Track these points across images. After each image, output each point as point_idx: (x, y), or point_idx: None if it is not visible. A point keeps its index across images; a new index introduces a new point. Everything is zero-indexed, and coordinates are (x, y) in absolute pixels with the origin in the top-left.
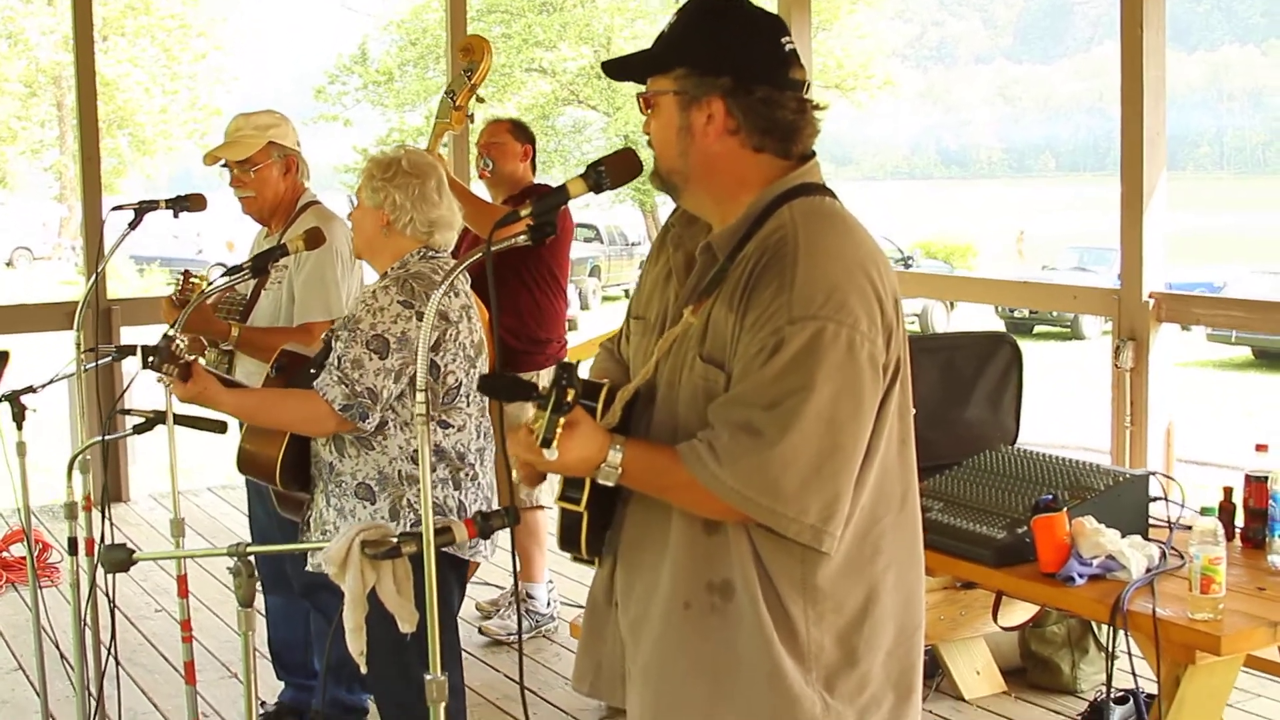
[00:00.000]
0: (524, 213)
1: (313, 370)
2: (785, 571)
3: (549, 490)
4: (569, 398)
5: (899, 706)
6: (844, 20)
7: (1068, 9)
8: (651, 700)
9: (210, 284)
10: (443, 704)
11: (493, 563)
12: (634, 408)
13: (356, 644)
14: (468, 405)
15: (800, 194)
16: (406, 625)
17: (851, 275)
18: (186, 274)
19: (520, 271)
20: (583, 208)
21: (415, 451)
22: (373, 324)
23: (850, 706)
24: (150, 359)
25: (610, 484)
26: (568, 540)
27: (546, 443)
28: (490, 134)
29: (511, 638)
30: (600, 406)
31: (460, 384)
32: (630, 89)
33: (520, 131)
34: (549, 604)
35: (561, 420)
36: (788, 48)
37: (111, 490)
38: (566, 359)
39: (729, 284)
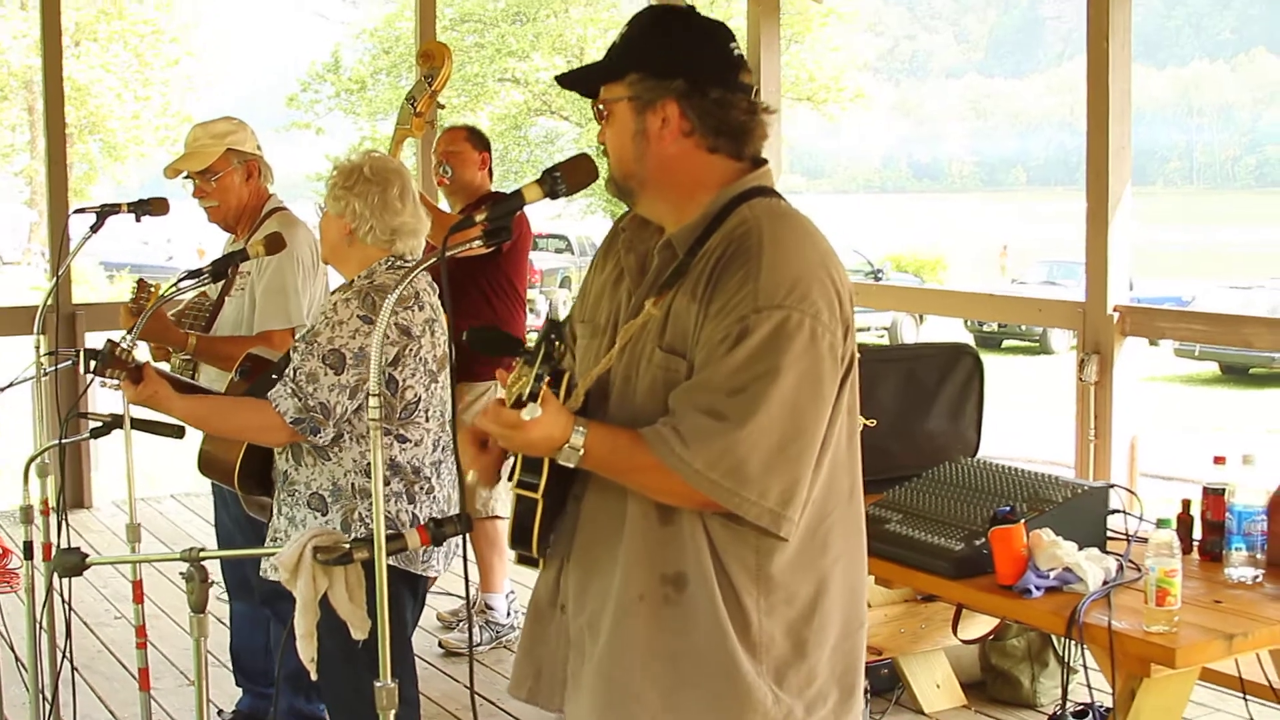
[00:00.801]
0: (479, 218)
1: (274, 375)
2: (740, 561)
3: (505, 499)
4: (558, 353)
5: (843, 704)
6: (815, 33)
7: (1039, 24)
8: (604, 693)
9: (168, 291)
10: (392, 711)
11: (455, 573)
12: (588, 401)
13: (307, 650)
14: (426, 420)
15: (757, 194)
16: (358, 632)
17: (813, 269)
18: (141, 282)
19: (479, 281)
20: (553, 218)
21: (368, 465)
22: (330, 338)
23: (799, 700)
24: (92, 362)
25: (571, 465)
26: (519, 536)
27: (534, 396)
28: (447, 142)
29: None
30: (562, 393)
31: (419, 399)
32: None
33: (477, 139)
34: (509, 614)
35: (547, 378)
36: (736, 52)
37: (74, 496)
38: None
39: (691, 276)
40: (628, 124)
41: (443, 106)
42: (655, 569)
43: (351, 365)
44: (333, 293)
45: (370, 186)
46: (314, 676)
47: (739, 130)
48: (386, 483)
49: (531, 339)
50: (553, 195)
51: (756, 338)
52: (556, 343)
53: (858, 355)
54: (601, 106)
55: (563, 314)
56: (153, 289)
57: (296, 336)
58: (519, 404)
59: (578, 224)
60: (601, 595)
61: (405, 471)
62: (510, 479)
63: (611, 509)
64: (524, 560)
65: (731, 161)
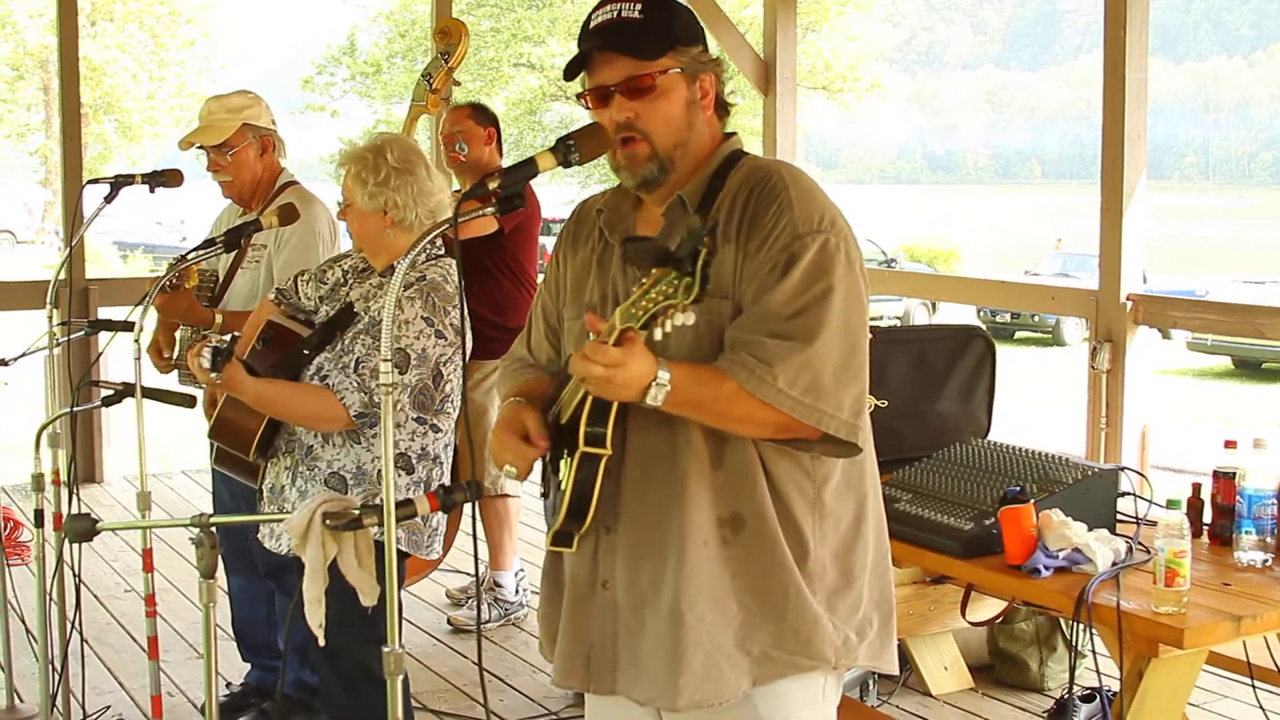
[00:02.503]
0: (492, 184)
1: (306, 352)
2: (799, 490)
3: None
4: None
5: (884, 628)
6: (832, 22)
7: (1056, 17)
8: (674, 646)
9: (179, 260)
10: (400, 677)
11: (464, 550)
12: None
13: (315, 616)
14: (455, 409)
15: (742, 155)
16: (367, 599)
17: (831, 204)
18: (184, 267)
19: (483, 261)
20: (566, 203)
21: (401, 454)
22: (396, 336)
23: (849, 625)
24: (217, 360)
25: (656, 403)
26: (577, 508)
27: (698, 299)
28: (452, 121)
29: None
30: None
31: (453, 391)
32: None
33: (482, 115)
34: (517, 591)
35: (696, 283)
36: None
37: (85, 471)
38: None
39: (719, 223)
40: (681, 94)
41: (458, 84)
42: (712, 512)
43: (415, 365)
44: (382, 278)
45: (405, 176)
46: (322, 642)
47: (726, 101)
48: (410, 471)
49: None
50: (565, 164)
51: (805, 261)
52: (709, 239)
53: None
54: (634, 82)
55: None
56: (190, 267)
57: (360, 326)
58: (650, 323)
59: None
60: (660, 554)
61: (428, 459)
62: (547, 465)
63: (659, 470)
64: (560, 541)
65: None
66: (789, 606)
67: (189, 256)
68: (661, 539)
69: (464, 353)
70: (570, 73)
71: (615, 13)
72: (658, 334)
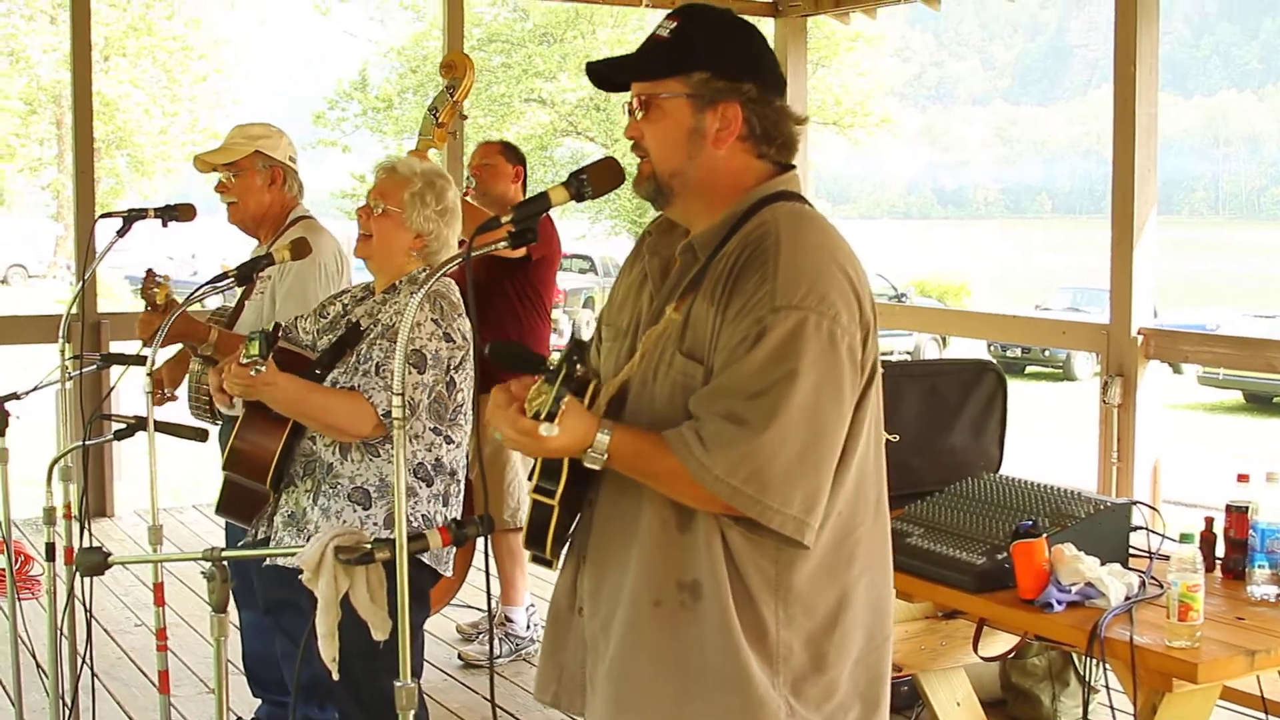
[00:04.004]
0: (505, 219)
1: (318, 371)
2: (759, 570)
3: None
4: (578, 373)
5: (866, 718)
6: (842, 57)
7: (1066, 52)
8: (615, 698)
9: (193, 293)
10: (411, 711)
11: (475, 585)
12: (612, 404)
13: (329, 650)
14: (467, 422)
15: (781, 199)
16: (379, 633)
17: (831, 271)
18: (150, 273)
19: (506, 288)
20: (578, 239)
21: (419, 464)
22: (411, 338)
23: (816, 713)
24: (264, 347)
25: (596, 467)
26: (534, 537)
27: (551, 416)
28: (482, 155)
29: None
30: (586, 401)
31: (465, 401)
32: None
33: (511, 153)
34: (528, 627)
35: (569, 397)
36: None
37: (96, 505)
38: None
39: (710, 279)
40: (683, 120)
41: (465, 117)
42: (672, 575)
43: (431, 365)
44: (385, 295)
45: (451, 217)
46: (335, 677)
47: (789, 140)
48: (430, 483)
49: (558, 357)
50: (578, 198)
51: (774, 339)
52: (578, 364)
53: (880, 367)
54: (644, 99)
55: (586, 335)
56: (162, 279)
57: (374, 334)
58: (537, 417)
59: (602, 244)
60: (613, 598)
61: (445, 472)
62: (530, 480)
63: (626, 513)
64: (538, 560)
65: (769, 167)
66: (734, 683)
67: (204, 289)
68: (617, 588)
69: (475, 372)
70: None
71: (666, 27)
72: (543, 430)
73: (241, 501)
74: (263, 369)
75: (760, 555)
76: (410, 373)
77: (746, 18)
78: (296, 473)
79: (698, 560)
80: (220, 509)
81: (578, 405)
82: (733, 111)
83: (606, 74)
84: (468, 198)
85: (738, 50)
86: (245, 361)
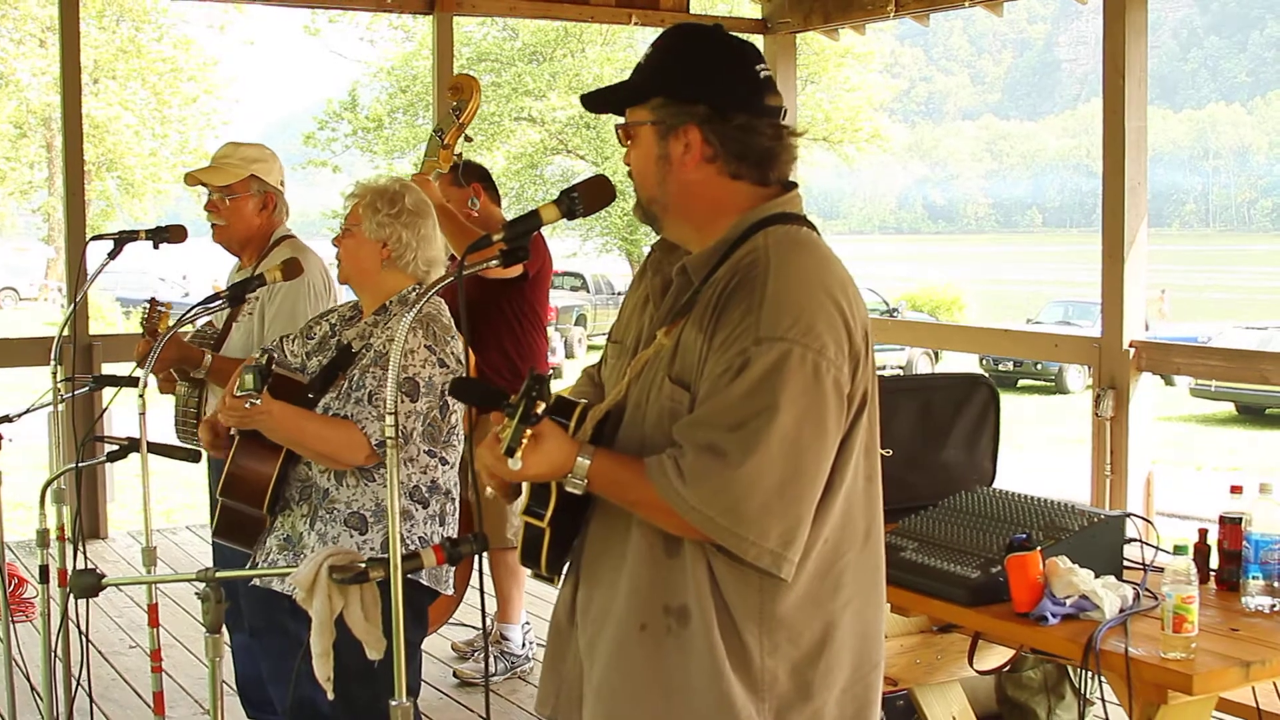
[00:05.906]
0: (496, 237)
1: (310, 395)
2: (743, 599)
3: None
4: (537, 409)
5: None
6: (832, 73)
7: (1055, 66)
8: (602, 716)
9: (185, 314)
10: None
11: (470, 604)
12: (604, 427)
13: (323, 669)
14: (460, 442)
15: (777, 221)
16: (374, 653)
17: (820, 301)
18: (154, 301)
19: (503, 305)
20: (569, 256)
21: (414, 487)
22: (404, 365)
23: None
24: (258, 380)
25: (578, 493)
26: (528, 555)
27: (510, 451)
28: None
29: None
30: (573, 424)
31: (458, 422)
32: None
33: (460, 177)
34: (524, 645)
35: (528, 431)
36: (763, 74)
37: (90, 527)
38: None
39: (699, 306)
40: (651, 148)
41: (470, 139)
42: (659, 599)
43: (424, 393)
44: (376, 317)
45: (415, 219)
46: (330, 696)
47: (763, 156)
48: (425, 505)
49: (519, 393)
50: (570, 215)
51: (756, 370)
52: (537, 399)
53: (873, 395)
54: (625, 128)
55: (579, 351)
56: (164, 309)
57: (366, 360)
58: (509, 450)
59: (593, 262)
60: (601, 619)
61: (440, 492)
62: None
63: (616, 535)
64: (539, 576)
65: (756, 187)
66: (718, 710)
67: (196, 310)
68: (604, 609)
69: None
70: None
71: (645, 53)
72: (514, 465)
73: (239, 527)
74: (257, 402)
75: (744, 583)
76: (403, 401)
77: (736, 34)
78: (292, 497)
79: (684, 585)
80: (217, 534)
81: (556, 432)
82: (692, 135)
83: (594, 107)
84: (468, 220)
85: (685, 71)
86: (239, 394)
